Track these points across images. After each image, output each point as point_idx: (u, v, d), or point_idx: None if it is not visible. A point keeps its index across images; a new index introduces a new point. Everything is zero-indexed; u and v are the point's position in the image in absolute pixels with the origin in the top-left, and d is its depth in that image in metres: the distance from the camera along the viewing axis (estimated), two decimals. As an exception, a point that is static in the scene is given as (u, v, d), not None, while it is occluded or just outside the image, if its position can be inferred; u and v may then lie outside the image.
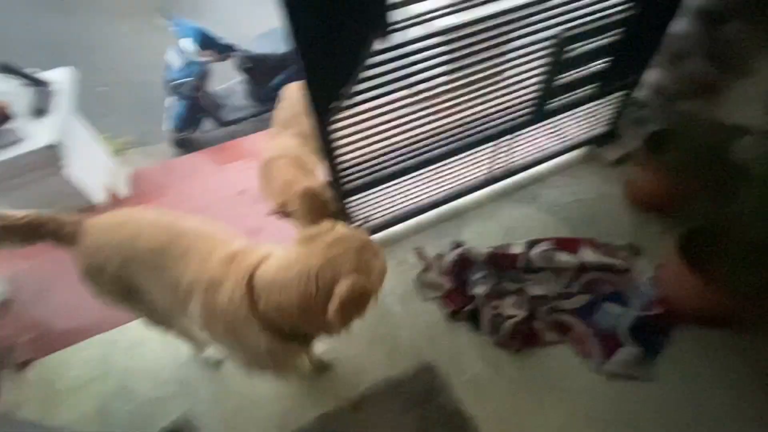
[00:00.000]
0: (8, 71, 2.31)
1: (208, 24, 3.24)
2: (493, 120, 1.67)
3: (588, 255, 1.71)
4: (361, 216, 1.73)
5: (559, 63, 1.51)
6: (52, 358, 1.60)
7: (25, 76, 2.36)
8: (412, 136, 1.53)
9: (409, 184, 1.72)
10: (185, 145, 3.66)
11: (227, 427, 1.38)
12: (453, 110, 1.52)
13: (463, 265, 1.72)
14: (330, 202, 1.49)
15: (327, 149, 1.35)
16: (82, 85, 4.20)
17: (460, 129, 1.63)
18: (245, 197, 2.70)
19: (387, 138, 1.46)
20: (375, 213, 1.77)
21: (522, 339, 1.53)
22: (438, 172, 1.78)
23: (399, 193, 1.74)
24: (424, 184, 1.78)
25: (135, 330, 1.62)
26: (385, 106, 1.33)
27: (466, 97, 1.49)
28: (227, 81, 3.80)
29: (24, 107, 2.29)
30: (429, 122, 1.49)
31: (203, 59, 3.09)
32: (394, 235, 1.90)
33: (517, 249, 1.77)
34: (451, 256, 1.76)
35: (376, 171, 1.58)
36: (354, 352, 1.51)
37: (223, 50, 3.14)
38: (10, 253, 2.17)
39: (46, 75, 2.53)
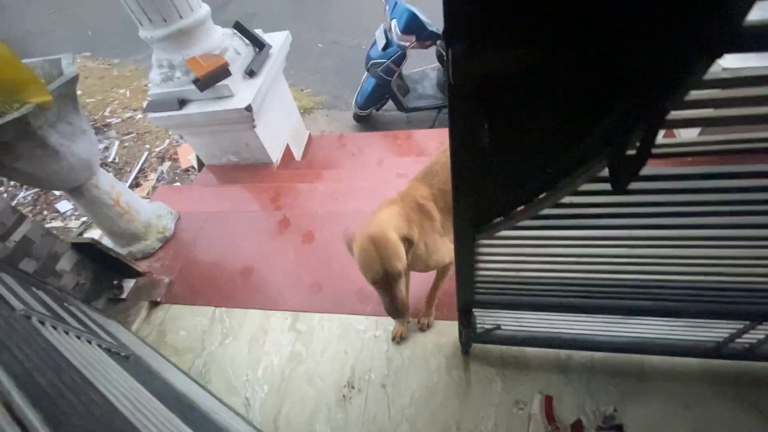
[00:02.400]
0: (239, 29, 2.57)
1: (425, 6, 2.99)
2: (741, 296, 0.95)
3: None
4: (487, 323, 1.31)
5: None
6: (176, 308, 1.81)
7: (251, 37, 2.59)
8: (594, 278, 0.98)
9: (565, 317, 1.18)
10: (363, 121, 3.70)
11: None
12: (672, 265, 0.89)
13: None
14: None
15: (466, 261, 0.96)
16: (306, 39, 4.76)
17: (677, 290, 0.98)
18: (405, 179, 2.52)
19: (558, 271, 0.96)
20: (506, 325, 1.31)
21: None
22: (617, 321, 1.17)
23: (544, 320, 1.23)
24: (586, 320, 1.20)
25: (254, 319, 1.71)
26: (571, 239, 0.84)
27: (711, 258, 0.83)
28: (425, 65, 3.59)
29: (242, 65, 2.54)
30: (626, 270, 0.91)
31: (404, 43, 2.90)
32: (526, 358, 1.40)
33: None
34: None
35: (528, 296, 1.11)
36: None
37: (426, 38, 2.88)
38: (195, 193, 2.56)
39: (268, 37, 2.73)
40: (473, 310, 1.23)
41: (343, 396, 1.42)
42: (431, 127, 3.54)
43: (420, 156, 3.01)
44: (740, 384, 1.23)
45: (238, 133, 2.67)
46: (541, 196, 0.70)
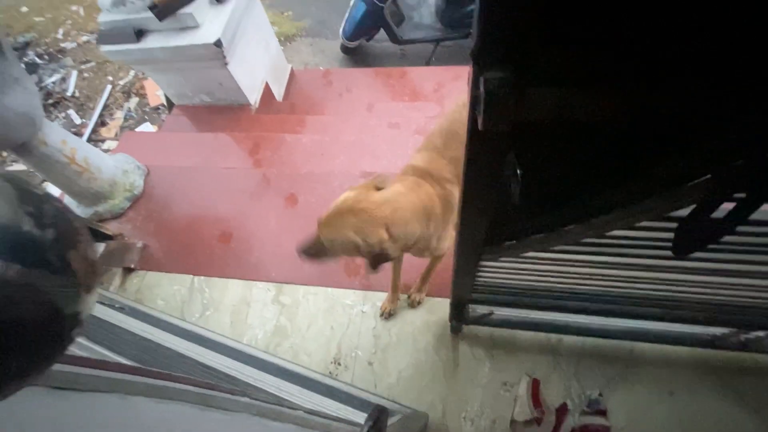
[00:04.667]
0: (203, -58, 2.11)
1: None
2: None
3: None
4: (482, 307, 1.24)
5: None
6: (152, 275, 1.71)
7: (216, -49, 2.14)
8: (600, 286, 0.88)
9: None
10: (351, 53, 3.32)
11: None
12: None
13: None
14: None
15: (468, 270, 0.84)
16: None
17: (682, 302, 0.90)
18: (399, 131, 2.31)
19: (562, 281, 0.86)
20: (499, 311, 1.25)
21: None
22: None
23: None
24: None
25: (236, 290, 1.63)
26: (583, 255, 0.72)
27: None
28: (422, -12, 3.12)
29: (207, -11, 2.13)
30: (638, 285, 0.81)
31: (401, -37, 2.45)
32: (516, 340, 1.37)
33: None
34: None
35: (527, 298, 1.02)
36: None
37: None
38: (168, 148, 2.31)
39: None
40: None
41: (330, 373, 1.41)
42: (427, 63, 3.19)
43: (414, 100, 2.74)
44: (727, 373, 1.23)
45: (208, 71, 2.33)
46: (570, 227, 0.56)
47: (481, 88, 0.30)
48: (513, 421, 1.26)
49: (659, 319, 1.04)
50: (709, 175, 0.39)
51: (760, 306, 0.89)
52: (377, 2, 2.69)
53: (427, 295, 1.48)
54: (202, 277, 1.68)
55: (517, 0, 0.27)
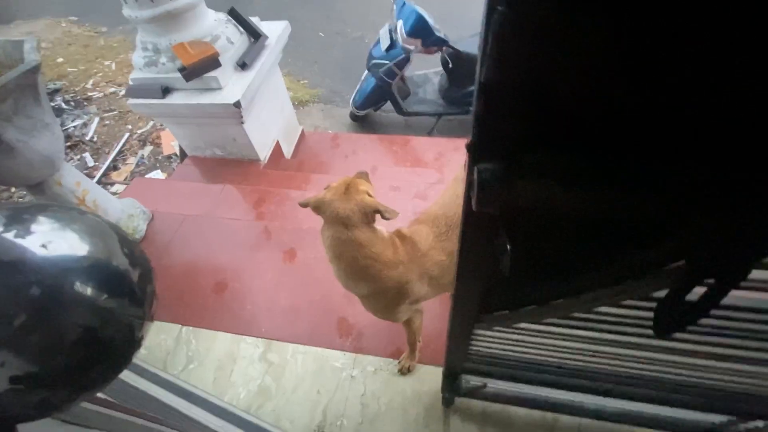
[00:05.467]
0: (234, 16, 2.38)
1: (435, 9, 2.83)
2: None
3: None
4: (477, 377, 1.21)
5: None
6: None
7: (246, 25, 2.40)
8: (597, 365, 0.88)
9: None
10: (360, 120, 3.55)
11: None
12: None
13: None
14: None
15: (462, 338, 0.85)
16: (309, 26, 4.51)
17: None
18: (399, 194, 2.39)
19: (559, 357, 0.86)
20: (493, 383, 1.22)
21: None
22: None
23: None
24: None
25: (223, 344, 1.59)
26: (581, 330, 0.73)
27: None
28: (427, 68, 3.43)
29: (234, 56, 2.35)
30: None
31: (409, 46, 2.74)
32: (510, 416, 1.31)
33: None
34: None
35: (522, 372, 1.01)
36: None
37: (432, 44, 2.72)
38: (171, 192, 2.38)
39: (265, 26, 2.54)
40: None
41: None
42: (429, 133, 3.41)
43: (416, 166, 2.88)
44: (732, 468, 1.17)
45: (224, 127, 2.49)
46: (558, 301, 0.59)
47: (475, 176, 0.35)
48: None
49: (656, 401, 1.01)
50: (682, 261, 0.42)
51: (753, 393, 0.88)
52: (386, 78, 2.94)
53: (419, 363, 1.45)
54: (191, 328, 1.64)
55: (507, 108, 0.33)
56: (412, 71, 3.32)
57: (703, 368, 0.73)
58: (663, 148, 0.31)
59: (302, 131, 3.18)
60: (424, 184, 2.47)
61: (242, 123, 2.42)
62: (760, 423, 1.11)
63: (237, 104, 2.23)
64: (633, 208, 0.36)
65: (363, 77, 3.21)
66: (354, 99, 3.29)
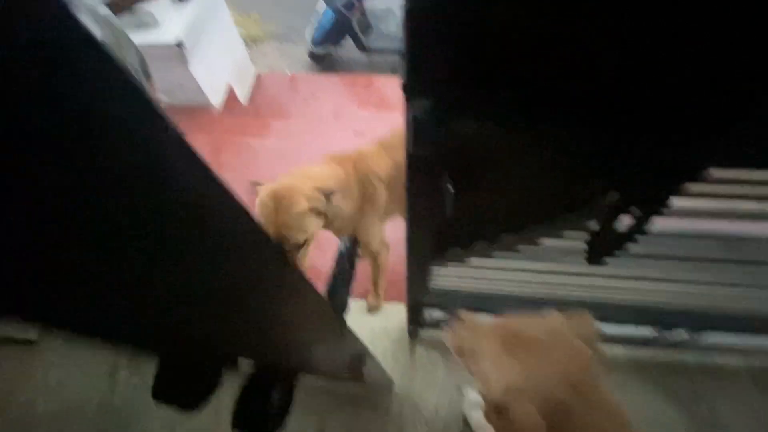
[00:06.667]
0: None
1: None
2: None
3: None
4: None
5: None
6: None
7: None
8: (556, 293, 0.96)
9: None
10: (320, 61, 3.33)
11: None
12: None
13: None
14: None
15: (420, 275, 0.89)
16: None
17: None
18: (364, 140, 2.35)
19: (516, 291, 0.93)
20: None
21: None
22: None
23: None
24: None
25: None
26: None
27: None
28: (389, 1, 3.19)
29: (169, -13, 2.08)
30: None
31: (369, -25, 2.51)
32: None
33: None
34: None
35: (475, 305, 1.08)
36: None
37: (393, -29, 2.50)
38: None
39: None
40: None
41: (288, 380, 1.40)
42: (394, 72, 3.26)
43: (380, 109, 2.79)
44: (658, 371, 1.35)
45: (168, 70, 2.27)
46: (506, 236, 0.62)
47: (409, 117, 0.34)
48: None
49: (598, 320, 1.12)
50: (612, 193, 0.45)
51: (680, 308, 0.99)
52: (344, 11, 2.73)
53: (386, 300, 1.52)
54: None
55: (437, 39, 0.31)
56: (373, 4, 3.08)
57: (633, 290, 0.81)
58: (590, 82, 0.30)
59: (258, 73, 2.96)
60: (390, 128, 2.42)
61: (188, 66, 2.21)
62: (685, 332, 1.27)
63: (180, 44, 2.02)
64: (565, 145, 0.37)
65: (319, 10, 2.96)
66: (311, 36, 3.05)
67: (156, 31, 2.03)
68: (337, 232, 1.19)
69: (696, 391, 1.33)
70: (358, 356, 0.62)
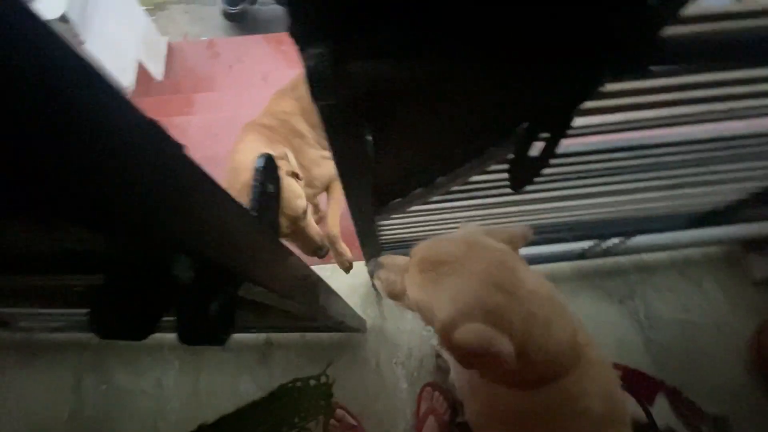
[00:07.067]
0: None
1: None
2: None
3: (663, 409, 1.31)
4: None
5: None
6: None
7: None
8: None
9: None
10: (237, 21, 3.06)
11: None
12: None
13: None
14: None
15: (368, 230, 0.90)
16: None
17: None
18: None
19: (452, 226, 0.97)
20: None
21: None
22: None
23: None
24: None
25: None
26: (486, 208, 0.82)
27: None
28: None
29: (34, -51, 1.76)
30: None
31: None
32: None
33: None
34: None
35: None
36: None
37: None
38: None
39: None
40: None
41: (263, 354, 1.42)
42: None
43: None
44: (597, 277, 1.51)
45: (60, 52, 1.99)
46: (438, 180, 0.63)
47: (304, 65, 0.32)
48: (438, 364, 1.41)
49: (540, 243, 1.22)
50: (525, 123, 0.46)
51: (605, 219, 1.09)
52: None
53: (355, 260, 1.53)
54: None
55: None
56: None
57: (562, 209, 0.88)
58: (476, 12, 0.30)
59: (168, 44, 2.67)
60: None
61: (82, 44, 1.94)
62: (615, 239, 1.41)
63: (63, 19, 1.76)
64: (468, 80, 0.37)
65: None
66: (222, -8, 2.77)
67: (36, 4, 1.74)
68: (309, 188, 1.20)
69: (631, 287, 1.50)
70: (311, 281, 0.62)
